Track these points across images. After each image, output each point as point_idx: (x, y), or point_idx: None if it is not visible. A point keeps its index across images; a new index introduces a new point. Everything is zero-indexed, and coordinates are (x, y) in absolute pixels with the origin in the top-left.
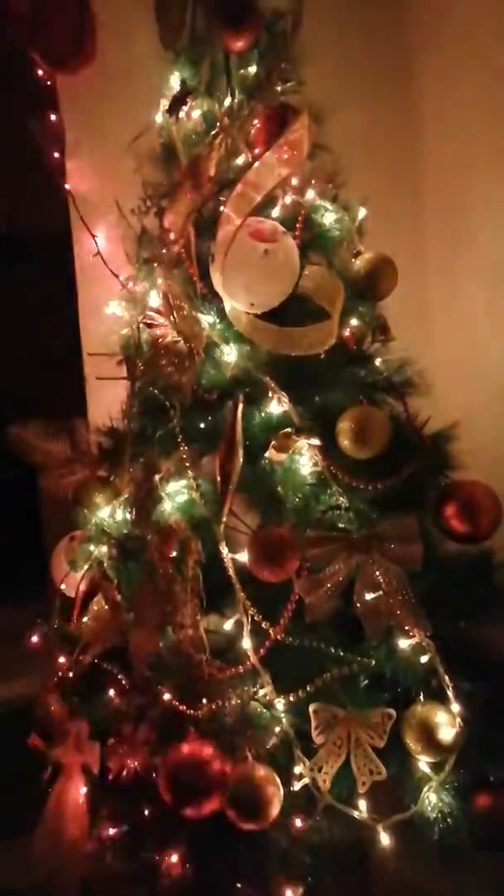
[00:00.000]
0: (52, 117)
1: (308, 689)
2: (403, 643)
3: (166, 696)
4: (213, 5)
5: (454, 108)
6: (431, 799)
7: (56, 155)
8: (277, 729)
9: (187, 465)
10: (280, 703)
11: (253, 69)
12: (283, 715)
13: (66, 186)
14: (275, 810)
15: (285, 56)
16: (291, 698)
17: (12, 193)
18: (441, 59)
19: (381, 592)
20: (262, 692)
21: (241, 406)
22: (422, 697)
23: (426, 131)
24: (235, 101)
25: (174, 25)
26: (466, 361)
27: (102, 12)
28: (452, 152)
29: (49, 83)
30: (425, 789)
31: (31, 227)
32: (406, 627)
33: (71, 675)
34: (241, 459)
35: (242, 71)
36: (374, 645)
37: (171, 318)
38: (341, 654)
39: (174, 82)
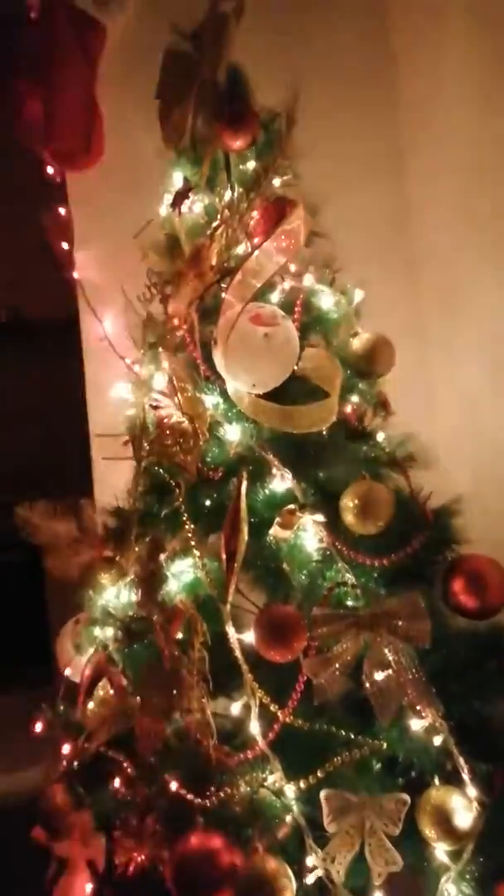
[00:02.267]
0: (62, 211)
1: (319, 774)
2: (416, 724)
3: (173, 785)
4: (213, 108)
5: (444, 194)
6: (450, 890)
7: (65, 245)
8: (288, 818)
9: (193, 543)
10: (290, 790)
11: (251, 165)
12: (293, 802)
13: (75, 275)
14: None
15: (281, 152)
16: (302, 785)
17: (25, 281)
18: (430, 148)
19: (390, 671)
20: (271, 779)
21: (244, 483)
22: (437, 781)
23: (418, 216)
24: (235, 195)
25: (176, 127)
26: (468, 435)
27: (109, 115)
28: (444, 235)
29: (59, 179)
30: (443, 880)
31: (42, 312)
32: (418, 707)
33: (76, 764)
34: (247, 537)
35: (241, 167)
36: (386, 727)
37: (176, 399)
38: (352, 736)
39: (177, 179)
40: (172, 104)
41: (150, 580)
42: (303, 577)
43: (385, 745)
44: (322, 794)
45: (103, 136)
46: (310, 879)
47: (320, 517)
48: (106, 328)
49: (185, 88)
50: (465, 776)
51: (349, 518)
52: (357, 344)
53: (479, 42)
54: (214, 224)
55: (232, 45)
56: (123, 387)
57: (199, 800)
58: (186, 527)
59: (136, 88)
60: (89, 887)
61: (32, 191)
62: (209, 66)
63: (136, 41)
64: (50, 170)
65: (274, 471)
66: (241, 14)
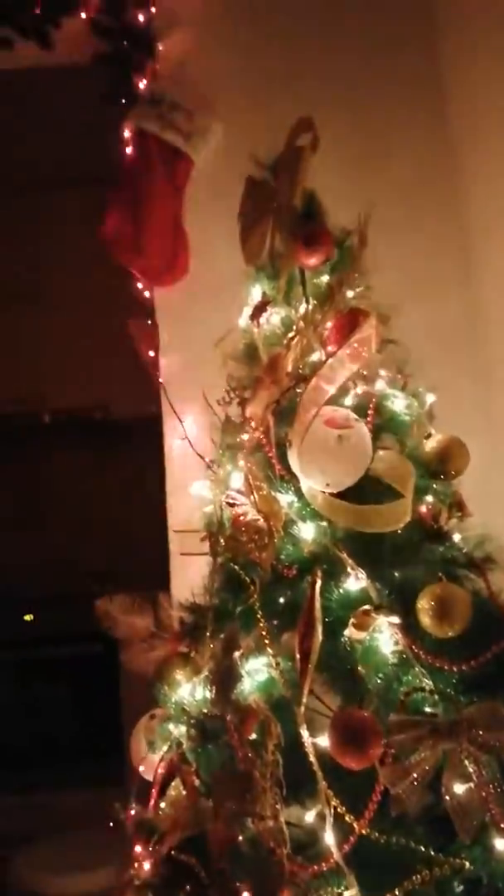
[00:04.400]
0: (149, 322)
1: (397, 892)
2: (500, 844)
3: (245, 895)
4: (290, 229)
5: None
6: None
7: (151, 353)
8: None
9: (267, 641)
10: None
11: (325, 278)
12: None
13: (160, 379)
14: None
15: (354, 267)
16: None
17: (113, 384)
18: (498, 254)
19: (471, 784)
20: (346, 894)
21: (319, 582)
22: None
23: (488, 319)
24: (310, 307)
25: (256, 246)
26: None
27: (195, 236)
28: None
29: (147, 293)
30: None
31: (129, 412)
32: (502, 826)
33: (147, 867)
34: (321, 637)
35: (316, 280)
36: (468, 844)
37: (252, 497)
38: (432, 853)
39: (256, 293)
40: (252, 226)
41: (225, 678)
42: (378, 681)
43: (467, 865)
44: None
45: (188, 255)
46: None
47: (396, 619)
48: (187, 429)
49: (264, 212)
50: None
51: (426, 620)
52: (430, 445)
53: None
54: (290, 334)
55: (308, 174)
56: (202, 485)
57: None
58: (261, 624)
59: (220, 212)
60: None
61: (124, 302)
62: (286, 192)
63: (220, 171)
64: (139, 284)
65: (349, 570)
66: (316, 147)
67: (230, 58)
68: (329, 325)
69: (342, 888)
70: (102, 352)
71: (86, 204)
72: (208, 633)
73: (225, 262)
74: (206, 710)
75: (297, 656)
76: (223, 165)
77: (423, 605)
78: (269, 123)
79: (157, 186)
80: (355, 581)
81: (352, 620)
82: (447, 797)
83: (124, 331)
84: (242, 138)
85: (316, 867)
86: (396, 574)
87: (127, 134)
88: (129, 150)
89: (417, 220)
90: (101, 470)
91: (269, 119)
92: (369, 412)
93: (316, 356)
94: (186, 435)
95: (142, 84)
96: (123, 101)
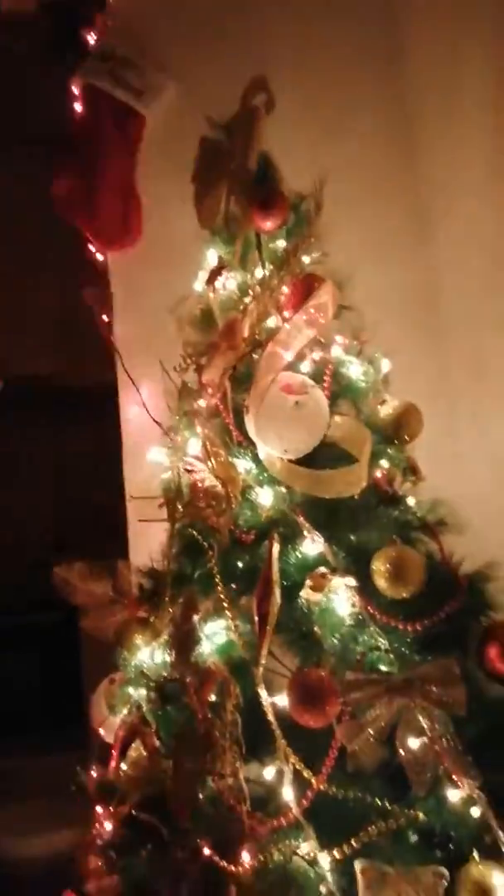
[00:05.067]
0: (103, 286)
1: (354, 843)
2: (453, 795)
3: (206, 852)
4: (246, 192)
5: (470, 263)
6: None
7: (105, 318)
8: (322, 889)
9: (225, 604)
10: (324, 860)
11: (281, 243)
12: (327, 873)
13: (115, 346)
14: None
15: (310, 232)
16: (336, 854)
17: (69, 349)
18: (455, 220)
19: (425, 739)
20: (305, 847)
21: (276, 546)
22: (476, 855)
23: (444, 285)
24: (266, 272)
25: (211, 209)
26: (500, 500)
27: (148, 199)
28: (470, 303)
29: (101, 257)
30: None
31: (84, 381)
32: (454, 777)
33: (109, 827)
34: (279, 599)
35: (272, 245)
36: (421, 796)
37: (210, 463)
38: (388, 806)
39: (211, 257)
40: (207, 188)
41: (184, 641)
42: (335, 641)
43: (421, 816)
44: (357, 865)
45: (141, 218)
46: None
47: (352, 581)
48: (143, 396)
49: (219, 174)
50: None
51: (381, 582)
52: (385, 411)
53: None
54: (247, 300)
55: (262, 135)
56: (159, 451)
57: (233, 867)
58: (219, 588)
59: (174, 174)
60: None
61: (76, 265)
62: (241, 154)
63: (174, 131)
64: (92, 248)
65: (305, 534)
66: (270, 107)
67: (183, 13)
68: (285, 290)
69: (300, 841)
70: (58, 319)
71: (36, 165)
72: (167, 598)
73: (179, 225)
74: (165, 673)
75: (256, 619)
76: (177, 125)
77: (379, 567)
78: (223, 82)
79: (108, 146)
80: (312, 545)
81: (308, 582)
82: (402, 751)
83: (80, 297)
84: (196, 97)
85: (275, 822)
86: (352, 537)
87: (76, 91)
88: (78, 107)
89: (373, 184)
90: (57, 437)
91: (224, 78)
92: (326, 378)
93: (272, 322)
94: (143, 402)
95: (91, 38)
96: (70, 54)
